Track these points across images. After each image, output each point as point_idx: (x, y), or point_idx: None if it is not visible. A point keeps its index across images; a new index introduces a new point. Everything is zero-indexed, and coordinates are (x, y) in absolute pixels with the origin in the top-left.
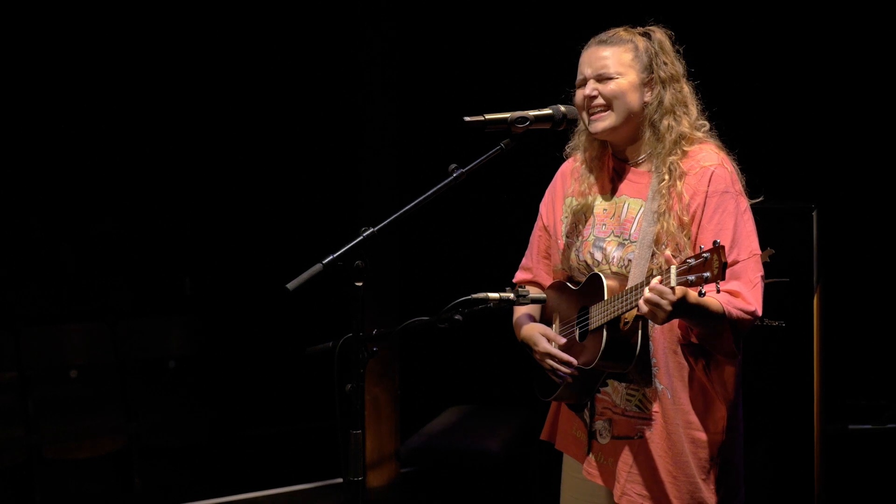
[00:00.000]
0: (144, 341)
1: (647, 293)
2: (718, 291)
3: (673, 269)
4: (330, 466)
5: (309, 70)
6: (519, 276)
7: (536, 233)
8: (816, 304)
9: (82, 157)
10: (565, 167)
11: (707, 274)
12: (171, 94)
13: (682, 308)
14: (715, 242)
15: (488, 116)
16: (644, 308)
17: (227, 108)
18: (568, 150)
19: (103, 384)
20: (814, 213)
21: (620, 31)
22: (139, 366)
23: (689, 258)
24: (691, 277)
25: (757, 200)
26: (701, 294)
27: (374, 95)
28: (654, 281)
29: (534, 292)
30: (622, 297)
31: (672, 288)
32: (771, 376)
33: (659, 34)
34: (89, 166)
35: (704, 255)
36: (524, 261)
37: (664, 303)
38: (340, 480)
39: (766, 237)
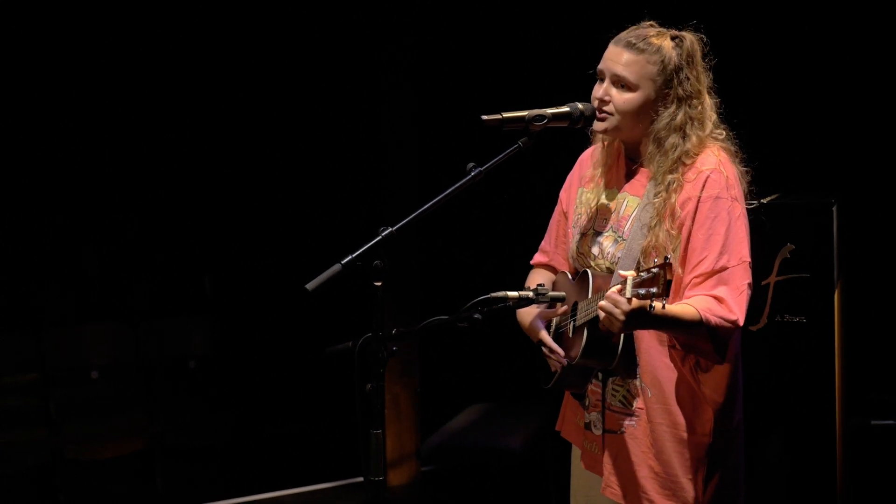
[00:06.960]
0: (165, 342)
1: (602, 301)
2: (664, 307)
3: (629, 281)
4: (351, 465)
5: (328, 71)
6: (536, 258)
7: (556, 217)
8: (837, 300)
9: (105, 158)
10: (585, 155)
11: (654, 290)
12: (192, 96)
13: (640, 318)
14: (666, 258)
15: (506, 115)
16: (601, 315)
17: (247, 110)
18: (591, 133)
19: (125, 385)
20: (834, 208)
21: (651, 36)
22: (160, 366)
23: (643, 271)
24: (642, 291)
25: (752, 204)
26: (650, 308)
27: (392, 96)
28: (613, 290)
29: (546, 280)
30: (600, 298)
31: (629, 299)
32: (793, 372)
33: (689, 41)
34: (112, 168)
35: (654, 270)
36: (543, 244)
37: (617, 312)
38: (361, 479)
39: (786, 232)
